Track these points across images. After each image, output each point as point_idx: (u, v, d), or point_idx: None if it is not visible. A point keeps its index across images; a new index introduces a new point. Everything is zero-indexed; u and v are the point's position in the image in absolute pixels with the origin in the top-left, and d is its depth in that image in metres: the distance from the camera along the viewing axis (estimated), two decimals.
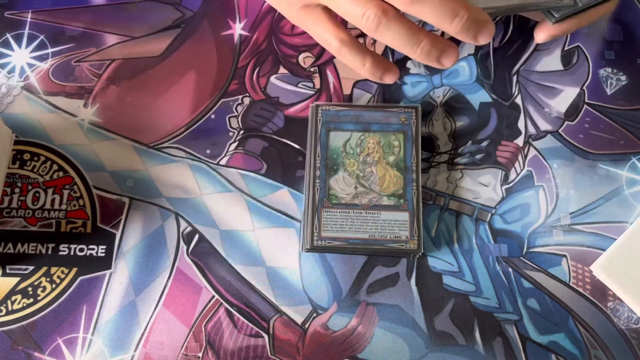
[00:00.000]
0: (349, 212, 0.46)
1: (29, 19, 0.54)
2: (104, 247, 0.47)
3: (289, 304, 0.46)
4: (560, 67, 0.51)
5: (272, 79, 0.52)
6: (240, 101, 0.51)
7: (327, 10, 0.42)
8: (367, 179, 0.46)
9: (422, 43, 0.39)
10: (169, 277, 0.46)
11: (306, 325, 0.45)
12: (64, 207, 0.48)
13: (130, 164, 0.49)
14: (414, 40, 0.39)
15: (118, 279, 0.46)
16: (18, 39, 0.53)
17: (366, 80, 0.52)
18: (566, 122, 0.50)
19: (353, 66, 0.43)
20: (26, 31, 0.53)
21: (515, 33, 0.53)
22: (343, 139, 0.48)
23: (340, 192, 0.46)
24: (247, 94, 0.51)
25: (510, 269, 0.46)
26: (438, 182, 0.48)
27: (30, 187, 0.48)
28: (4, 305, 0.45)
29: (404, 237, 0.45)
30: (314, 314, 0.45)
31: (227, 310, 0.45)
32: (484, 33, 0.38)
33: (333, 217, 0.46)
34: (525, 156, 0.49)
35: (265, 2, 0.54)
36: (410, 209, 0.45)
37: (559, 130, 0.50)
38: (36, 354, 0.44)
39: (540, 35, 0.45)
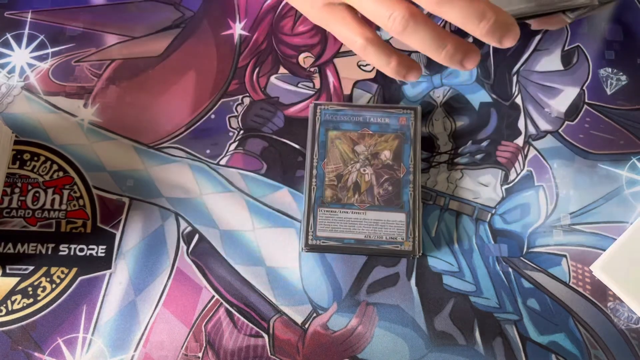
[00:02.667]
0: (345, 212, 0.46)
1: (29, 19, 0.54)
2: (104, 247, 0.47)
3: (289, 304, 0.46)
4: (560, 67, 0.51)
5: (272, 79, 0.52)
6: (240, 101, 0.51)
7: (350, 9, 0.42)
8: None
9: (447, 47, 0.38)
10: (169, 277, 0.46)
11: (306, 325, 0.45)
12: (64, 207, 0.48)
13: (130, 164, 0.49)
14: (439, 44, 0.39)
15: (118, 279, 0.46)
16: (18, 39, 0.53)
17: (366, 80, 0.52)
18: (566, 122, 0.50)
19: (377, 65, 0.42)
20: (26, 31, 0.53)
21: None
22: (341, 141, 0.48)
23: (330, 173, 0.46)
24: (247, 94, 0.51)
25: (510, 269, 0.46)
26: (438, 182, 0.48)
27: (30, 187, 0.48)
28: (4, 305, 0.45)
29: (400, 238, 0.45)
30: (314, 314, 0.45)
31: (227, 310, 0.45)
32: (509, 36, 0.38)
33: (329, 217, 0.46)
34: (525, 156, 0.49)
35: (265, 2, 0.54)
36: (406, 210, 0.45)
37: (559, 130, 0.50)
38: (36, 354, 0.44)
39: (536, 23, 0.45)
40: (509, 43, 0.38)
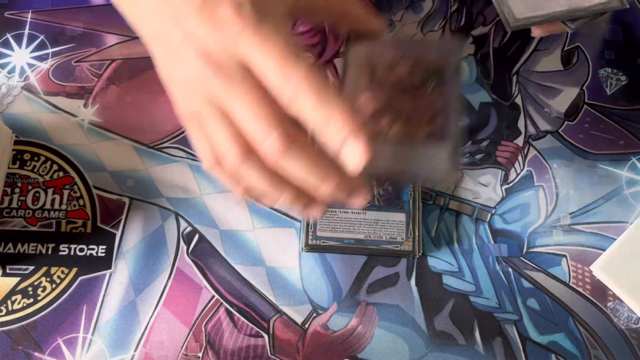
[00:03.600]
0: (345, 212, 0.46)
1: (29, 19, 0.54)
2: (104, 247, 0.47)
3: (289, 304, 0.46)
4: (560, 67, 0.52)
5: None
6: None
7: (224, 119, 0.37)
8: None
9: (327, 181, 0.35)
10: (169, 277, 0.46)
11: (306, 325, 0.45)
12: (64, 207, 0.48)
13: (130, 164, 0.49)
14: (277, 189, 0.36)
15: (118, 279, 0.46)
16: (18, 39, 0.53)
17: None
18: (566, 122, 0.50)
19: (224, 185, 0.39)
20: (26, 31, 0.53)
21: (515, 33, 0.53)
22: None
23: None
24: None
25: (510, 269, 0.46)
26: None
27: (30, 187, 0.48)
28: (4, 305, 0.45)
29: (400, 238, 0.45)
30: (314, 314, 0.45)
31: (227, 310, 0.45)
32: (354, 199, 0.36)
33: (329, 217, 0.46)
34: (525, 156, 0.49)
35: None
36: (406, 210, 0.45)
37: (559, 130, 0.50)
38: (36, 354, 0.44)
39: (538, 30, 0.45)
40: (357, 204, 0.37)
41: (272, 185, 0.36)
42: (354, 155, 0.33)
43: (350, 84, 0.41)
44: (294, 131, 0.34)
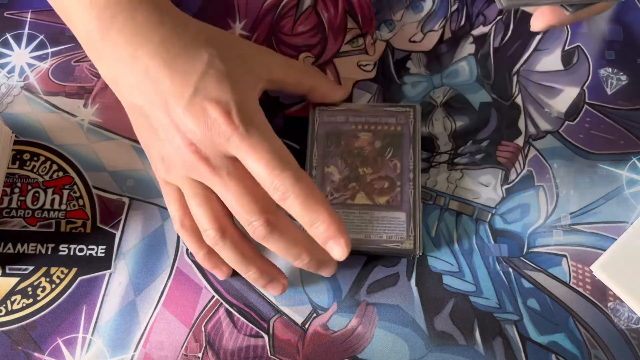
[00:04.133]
0: (344, 212, 0.46)
1: (28, 19, 0.54)
2: (104, 247, 0.47)
3: (288, 304, 0.45)
4: (561, 67, 0.51)
5: None
6: None
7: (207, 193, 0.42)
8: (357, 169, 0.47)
9: (302, 256, 0.41)
10: (169, 277, 0.46)
11: (306, 326, 0.45)
12: (63, 207, 0.48)
13: (130, 164, 0.49)
14: (246, 265, 0.42)
15: (118, 279, 0.46)
16: (18, 39, 0.53)
17: (366, 80, 0.51)
18: (566, 122, 0.50)
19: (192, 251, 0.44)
20: (26, 31, 0.53)
21: (515, 33, 0.53)
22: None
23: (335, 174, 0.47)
24: None
25: (510, 269, 0.46)
26: (438, 182, 0.48)
27: (30, 187, 0.48)
28: (4, 305, 0.45)
29: (400, 237, 0.45)
30: (314, 314, 0.45)
31: (227, 310, 0.45)
32: (323, 271, 0.43)
33: None
34: (526, 156, 0.49)
35: (265, 2, 0.54)
36: (406, 209, 0.45)
37: (559, 130, 0.50)
38: (36, 354, 0.44)
39: (537, 23, 0.45)
40: (326, 274, 0.44)
41: (242, 263, 0.42)
42: (336, 250, 0.39)
43: (319, 153, 0.47)
44: (276, 212, 0.40)
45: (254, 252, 0.42)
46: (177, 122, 0.38)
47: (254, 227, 0.39)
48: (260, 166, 0.38)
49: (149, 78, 0.39)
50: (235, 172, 0.39)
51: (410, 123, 0.48)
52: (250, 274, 0.42)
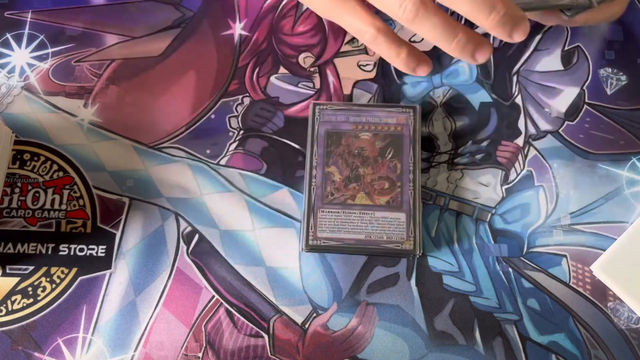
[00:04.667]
0: (345, 212, 0.46)
1: (29, 19, 0.54)
2: (104, 247, 0.47)
3: (289, 304, 0.46)
4: (560, 67, 0.51)
5: (272, 79, 0.52)
6: (240, 101, 0.51)
7: (360, 0, 0.41)
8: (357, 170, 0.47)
9: (458, 36, 0.38)
10: (169, 277, 0.46)
11: (306, 325, 0.45)
12: (64, 207, 0.48)
13: (130, 164, 0.49)
14: (450, 33, 0.38)
15: (118, 279, 0.46)
16: (18, 39, 0.53)
17: (366, 80, 0.52)
18: (566, 122, 0.50)
19: (387, 56, 0.42)
20: (26, 31, 0.53)
21: None
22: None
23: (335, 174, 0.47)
24: (247, 94, 0.51)
25: (510, 269, 0.46)
26: (438, 182, 0.48)
27: (30, 187, 0.48)
28: (4, 305, 0.45)
29: (400, 237, 0.45)
30: (314, 314, 0.45)
31: (227, 310, 0.45)
32: (519, 30, 0.38)
33: (329, 218, 0.46)
34: (525, 156, 0.49)
35: (265, 2, 0.54)
36: (406, 210, 0.45)
37: (559, 130, 0.50)
38: (36, 354, 0.44)
39: (551, 18, 0.45)
40: (518, 37, 0.38)
41: (447, 26, 0.38)
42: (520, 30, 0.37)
43: (319, 153, 0.47)
44: None
45: (451, 18, 0.39)
46: None
47: (406, 5, 0.37)
48: None
49: None
50: None
51: (410, 123, 0.48)
52: (459, 39, 0.39)
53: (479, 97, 0.51)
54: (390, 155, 0.47)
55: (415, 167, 0.46)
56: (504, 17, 0.37)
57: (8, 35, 0.53)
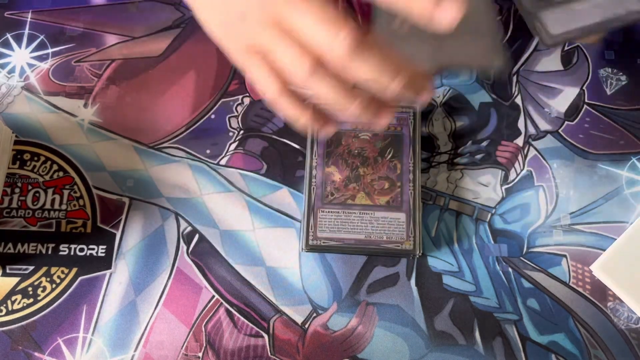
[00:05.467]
0: (345, 212, 0.46)
1: (29, 19, 0.54)
2: (104, 247, 0.47)
3: (289, 304, 0.46)
4: (560, 67, 0.51)
5: None
6: (240, 101, 0.51)
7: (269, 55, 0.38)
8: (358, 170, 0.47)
9: (356, 102, 0.36)
10: (169, 277, 0.46)
11: (306, 325, 0.45)
12: (64, 207, 0.48)
13: (130, 164, 0.49)
14: (349, 97, 0.36)
15: (118, 278, 0.46)
16: (18, 39, 0.53)
17: None
18: (566, 122, 0.50)
19: (289, 118, 0.39)
20: (26, 31, 0.53)
21: (515, 33, 0.53)
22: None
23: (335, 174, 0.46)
24: (247, 94, 0.51)
25: (510, 269, 0.46)
26: (438, 182, 0.48)
27: (30, 187, 0.48)
28: (4, 305, 0.45)
29: (400, 237, 0.45)
30: (314, 314, 0.45)
31: (227, 310, 0.45)
32: (423, 94, 0.37)
33: (329, 218, 0.46)
34: (525, 156, 0.49)
35: None
36: (406, 210, 0.45)
37: (559, 130, 0.50)
38: (36, 354, 0.44)
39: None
40: (423, 100, 0.37)
41: (344, 93, 0.36)
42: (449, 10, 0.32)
43: (320, 154, 0.47)
44: (359, 32, 0.34)
45: (348, 85, 0.37)
46: None
47: (340, 42, 0.33)
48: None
49: None
50: None
51: (410, 124, 0.48)
52: (358, 103, 0.37)
53: (479, 97, 0.51)
54: (390, 156, 0.47)
55: (415, 167, 0.46)
56: (408, 83, 0.35)
57: (8, 35, 0.53)
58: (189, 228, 0.47)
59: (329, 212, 0.46)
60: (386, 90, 0.35)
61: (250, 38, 0.38)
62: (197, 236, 0.47)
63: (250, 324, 0.45)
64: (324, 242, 0.45)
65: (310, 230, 0.45)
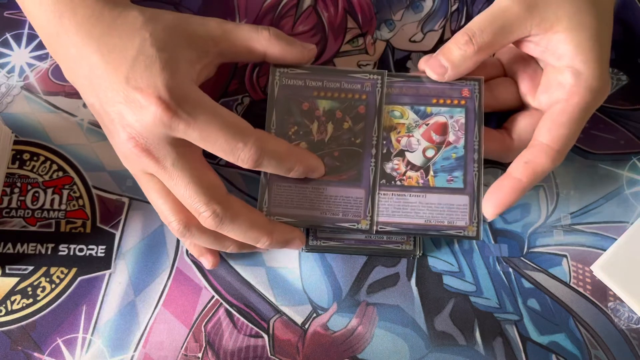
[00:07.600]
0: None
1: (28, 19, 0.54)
2: (104, 247, 0.47)
3: (289, 304, 0.45)
4: None
5: None
6: (240, 101, 0.51)
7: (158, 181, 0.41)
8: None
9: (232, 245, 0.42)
10: (168, 277, 0.46)
11: (306, 326, 0.45)
12: (63, 207, 0.48)
13: None
14: (255, 237, 0.41)
15: (118, 279, 0.46)
16: (17, 39, 0.53)
17: None
18: None
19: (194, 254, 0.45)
20: (25, 31, 0.53)
21: None
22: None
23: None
24: (247, 94, 0.51)
25: (510, 269, 0.46)
26: None
27: (29, 187, 0.48)
28: (4, 305, 0.45)
29: (400, 237, 0.45)
30: (314, 314, 0.45)
31: (227, 310, 0.45)
32: (290, 246, 0.43)
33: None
34: None
35: (265, 2, 0.54)
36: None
37: None
38: (36, 354, 0.44)
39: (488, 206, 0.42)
40: (295, 248, 0.43)
41: (216, 242, 0.42)
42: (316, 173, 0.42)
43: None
44: (225, 197, 0.39)
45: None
46: (118, 117, 0.38)
47: (204, 218, 0.38)
48: (219, 146, 0.37)
49: (92, 76, 0.38)
50: (180, 160, 0.38)
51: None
52: (231, 248, 0.43)
53: None
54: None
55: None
56: (270, 245, 0.41)
57: (7, 35, 0.53)
58: None
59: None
60: (256, 246, 0.41)
61: (133, 171, 0.42)
62: None
63: (250, 325, 0.45)
64: (323, 243, 0.45)
65: (310, 230, 0.45)
